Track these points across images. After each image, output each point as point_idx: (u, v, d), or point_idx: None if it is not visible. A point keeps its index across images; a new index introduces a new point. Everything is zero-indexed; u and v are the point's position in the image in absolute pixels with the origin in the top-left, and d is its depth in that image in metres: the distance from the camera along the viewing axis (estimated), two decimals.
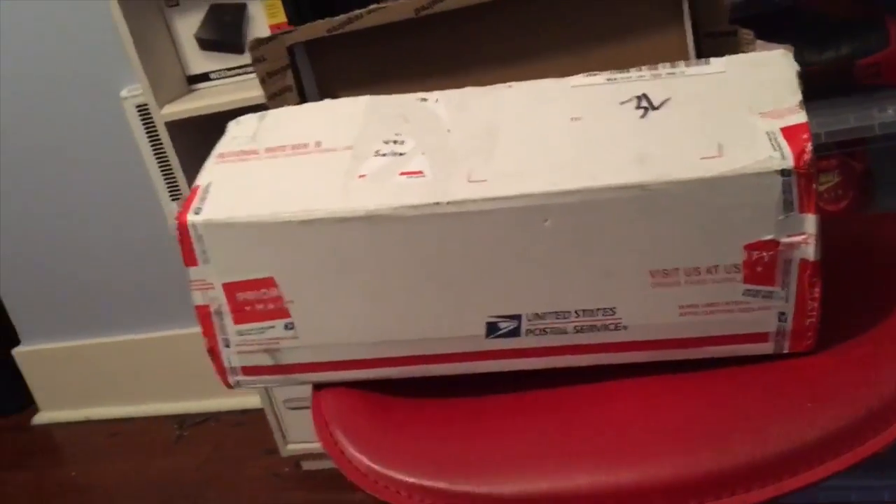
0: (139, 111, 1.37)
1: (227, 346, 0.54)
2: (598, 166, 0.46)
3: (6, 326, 1.68)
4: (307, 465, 1.35)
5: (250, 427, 1.51)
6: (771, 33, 0.65)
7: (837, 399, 0.45)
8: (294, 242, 0.50)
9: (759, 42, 0.60)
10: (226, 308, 0.52)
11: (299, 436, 1.31)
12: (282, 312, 0.52)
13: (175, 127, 1.15)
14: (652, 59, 0.63)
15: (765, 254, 0.46)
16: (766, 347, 0.49)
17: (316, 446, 1.32)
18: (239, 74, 1.19)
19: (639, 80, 0.51)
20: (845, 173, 0.94)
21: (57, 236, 1.56)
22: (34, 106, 1.46)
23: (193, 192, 0.52)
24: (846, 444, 0.44)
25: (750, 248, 0.46)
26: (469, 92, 0.54)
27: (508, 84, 0.54)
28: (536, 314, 0.49)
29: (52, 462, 1.58)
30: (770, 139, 0.45)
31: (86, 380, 1.66)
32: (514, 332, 0.50)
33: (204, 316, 0.53)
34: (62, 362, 1.66)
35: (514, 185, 0.47)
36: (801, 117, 0.46)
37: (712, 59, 0.52)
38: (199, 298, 0.53)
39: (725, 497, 0.43)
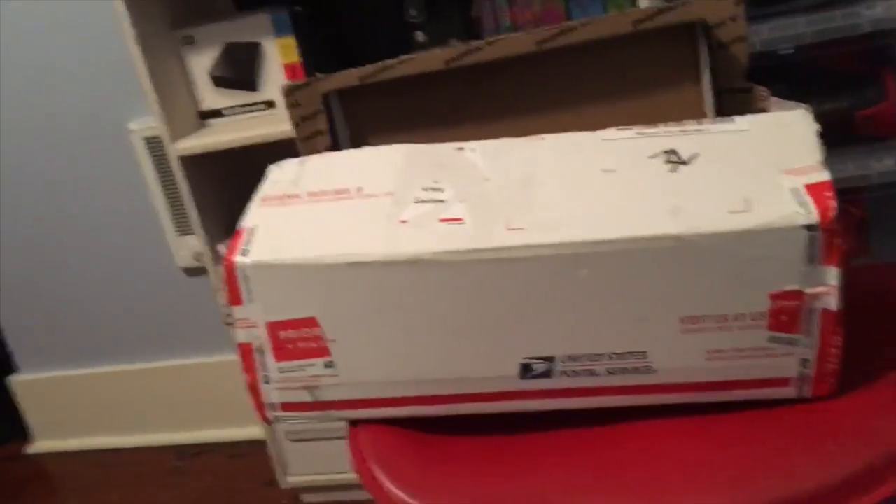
0: (148, 144, 1.39)
1: (268, 382, 0.55)
2: (632, 217, 0.49)
3: (3, 354, 1.68)
4: (307, 498, 1.36)
5: (249, 459, 1.51)
6: (772, 85, 0.68)
7: (858, 441, 0.48)
8: (337, 284, 0.52)
9: (773, 99, 0.63)
10: (268, 346, 0.54)
11: (300, 468, 1.32)
12: (323, 351, 0.54)
13: (187, 161, 1.18)
14: (671, 113, 0.67)
15: (789, 303, 0.48)
16: (789, 392, 0.51)
17: (316, 479, 1.33)
18: (251, 111, 1.22)
19: (667, 136, 0.54)
20: (844, 220, 0.98)
21: (58, 265, 1.57)
22: (40, 135, 1.47)
23: (239, 234, 0.54)
24: (867, 485, 0.46)
25: (775, 297, 0.48)
26: (504, 143, 0.57)
27: (541, 136, 0.56)
28: (569, 356, 0.52)
29: (46, 492, 1.57)
30: (795, 195, 0.48)
31: (82, 409, 1.66)
32: (547, 374, 0.52)
33: (246, 353, 0.55)
34: (59, 391, 1.66)
35: (551, 234, 0.49)
36: (824, 175, 0.49)
37: (736, 118, 0.55)
38: (242, 336, 0.55)
39: None
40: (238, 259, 0.53)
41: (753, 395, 0.52)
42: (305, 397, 0.56)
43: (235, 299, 0.54)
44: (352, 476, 1.28)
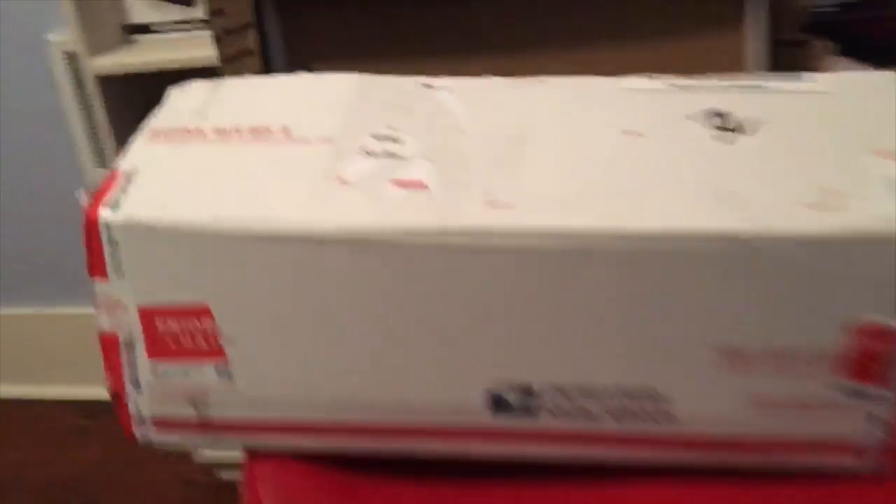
0: (69, 60, 1.20)
1: (137, 387, 0.40)
2: (667, 200, 0.34)
3: None
4: (226, 475, 1.21)
5: None
6: None
7: None
8: (241, 262, 0.37)
9: (836, 59, 0.49)
10: (139, 338, 0.39)
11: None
12: (215, 352, 0.39)
13: (107, 82, 1.00)
14: (700, 64, 0.52)
15: (872, 343, 0.35)
16: (856, 464, 0.38)
17: (236, 455, 1.18)
18: (187, 29, 1.04)
19: (714, 91, 0.39)
20: None
21: None
22: None
23: (111, 177, 0.39)
24: None
25: (854, 332, 0.34)
26: (490, 83, 0.42)
27: (540, 77, 0.41)
28: (556, 387, 0.37)
29: None
30: (891, 188, 0.34)
31: None
32: (526, 409, 0.38)
33: (109, 345, 0.40)
34: None
35: (549, 215, 0.34)
36: None
37: (805, 74, 0.40)
38: (104, 322, 0.39)
39: None
40: (103, 213, 0.37)
41: (806, 462, 0.38)
42: (189, 412, 0.40)
43: (97, 270, 0.38)
44: None
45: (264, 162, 0.39)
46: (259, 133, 0.40)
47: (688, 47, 0.52)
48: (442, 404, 0.38)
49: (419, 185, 0.37)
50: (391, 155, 0.38)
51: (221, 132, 0.40)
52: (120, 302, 0.38)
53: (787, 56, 0.52)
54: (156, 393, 0.40)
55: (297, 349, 0.38)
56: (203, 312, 0.38)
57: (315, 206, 0.36)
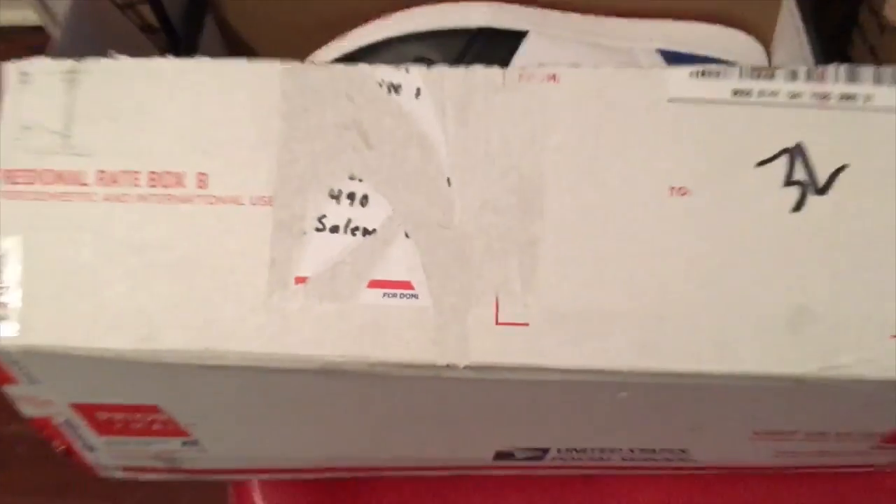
0: None
1: (92, 450, 0.35)
2: (728, 323, 0.27)
3: None
4: None
5: None
6: None
7: None
8: (189, 383, 0.30)
9: None
10: (82, 423, 0.33)
11: None
12: (177, 432, 0.33)
13: None
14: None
15: None
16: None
17: None
18: None
19: (793, 106, 0.28)
20: None
21: None
22: None
23: None
24: None
25: None
26: (480, 80, 0.29)
27: (551, 71, 0.29)
28: (571, 448, 0.34)
29: None
30: None
31: None
32: (537, 458, 0.35)
33: (44, 425, 0.33)
34: None
35: (580, 352, 0.27)
36: None
37: None
38: (30, 412, 0.32)
39: None
40: None
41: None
42: (156, 464, 0.36)
43: (4, 379, 0.30)
44: None
45: (183, 239, 0.28)
46: (164, 183, 0.29)
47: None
48: (441, 461, 0.35)
49: (405, 288, 0.28)
50: (357, 230, 0.28)
51: (109, 180, 0.29)
52: (47, 399, 0.32)
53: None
54: (115, 453, 0.35)
55: (270, 430, 0.33)
56: (151, 409, 0.32)
57: (273, 329, 0.28)
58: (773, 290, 0.27)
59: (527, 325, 0.27)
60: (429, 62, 0.40)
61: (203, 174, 0.29)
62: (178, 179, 0.29)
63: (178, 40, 0.43)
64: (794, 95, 0.28)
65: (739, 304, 0.27)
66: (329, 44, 0.42)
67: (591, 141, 0.28)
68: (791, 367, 0.27)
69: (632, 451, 0.34)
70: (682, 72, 0.28)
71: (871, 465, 0.36)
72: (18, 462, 0.86)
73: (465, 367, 0.27)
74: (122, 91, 0.29)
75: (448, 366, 0.27)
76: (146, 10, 0.42)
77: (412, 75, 0.29)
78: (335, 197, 0.28)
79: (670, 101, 0.28)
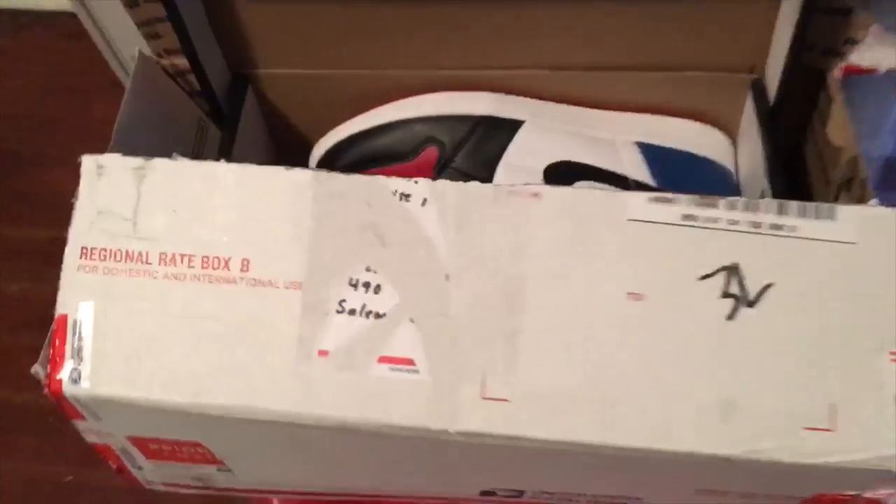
0: None
1: (140, 469, 0.42)
2: (671, 409, 0.33)
3: None
4: None
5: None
6: None
7: None
8: (228, 430, 0.36)
9: (875, 29, 0.40)
10: (135, 450, 0.39)
11: None
12: (214, 461, 0.40)
13: None
14: (729, 27, 0.43)
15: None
16: None
17: None
18: None
19: (731, 231, 0.34)
20: None
21: None
22: None
23: (57, 330, 0.35)
24: None
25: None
26: (474, 193, 0.35)
27: (534, 190, 0.34)
28: (545, 492, 0.40)
29: None
30: None
31: None
32: (516, 496, 0.41)
33: (104, 450, 0.40)
34: None
35: (550, 425, 0.33)
36: None
37: (840, 209, 0.34)
38: (93, 439, 0.39)
39: None
40: (67, 389, 0.35)
41: None
42: (194, 482, 0.43)
43: (73, 415, 0.37)
44: None
45: (228, 313, 0.34)
46: (214, 267, 0.35)
47: (717, 6, 0.41)
48: (434, 494, 0.41)
49: (408, 364, 0.34)
50: (371, 313, 0.34)
51: (169, 261, 0.35)
52: (108, 433, 0.38)
53: (831, 27, 0.41)
54: (160, 473, 0.42)
55: (296, 466, 0.39)
56: (195, 445, 0.38)
57: (298, 388, 0.34)
58: (707, 384, 0.33)
59: (507, 400, 0.34)
60: (438, 143, 0.46)
61: (246, 260, 0.35)
62: (225, 263, 0.35)
63: (219, 106, 0.49)
64: (733, 222, 0.34)
65: (680, 394, 0.33)
66: (352, 119, 0.48)
67: (565, 251, 0.34)
68: (721, 449, 0.33)
69: (594, 496, 0.40)
70: (641, 197, 0.34)
71: None
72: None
73: (455, 433, 0.34)
74: (182, 187, 0.35)
75: (441, 430, 0.34)
76: (193, 79, 0.48)
77: (420, 186, 0.35)
78: (354, 285, 0.34)
79: (629, 220, 0.34)
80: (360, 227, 0.35)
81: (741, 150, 0.46)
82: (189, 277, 0.35)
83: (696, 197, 0.34)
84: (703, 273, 0.34)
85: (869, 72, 0.40)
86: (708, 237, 0.34)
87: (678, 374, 0.33)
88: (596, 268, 0.34)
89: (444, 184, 0.35)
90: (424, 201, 0.35)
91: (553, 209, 0.34)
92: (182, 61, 0.44)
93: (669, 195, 0.34)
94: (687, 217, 0.34)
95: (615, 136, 0.45)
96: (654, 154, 0.44)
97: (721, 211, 0.34)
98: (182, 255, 0.35)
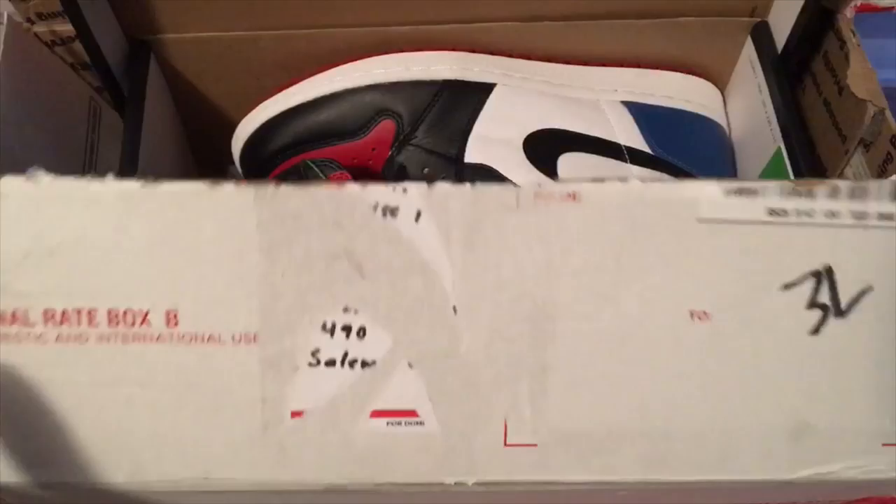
0: None
1: None
2: (733, 437, 0.27)
3: None
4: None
5: None
6: None
7: None
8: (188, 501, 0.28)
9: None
10: None
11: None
12: None
13: None
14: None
15: None
16: None
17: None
18: None
19: (829, 225, 0.25)
20: None
21: None
22: None
23: None
24: None
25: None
26: (487, 199, 0.24)
27: (571, 189, 0.24)
28: None
29: None
30: None
31: None
32: None
33: None
34: None
35: (585, 467, 0.27)
36: None
37: None
38: None
39: None
40: None
41: None
42: None
43: None
44: None
45: (162, 380, 0.25)
46: (129, 323, 0.25)
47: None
48: None
49: (410, 416, 0.26)
50: (356, 362, 0.26)
51: (59, 319, 0.24)
52: None
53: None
54: None
55: None
56: None
57: (271, 459, 0.26)
58: (779, 407, 0.27)
59: (535, 445, 0.27)
60: (394, 115, 0.35)
61: (172, 312, 0.25)
62: (143, 318, 0.25)
63: (115, 81, 0.34)
64: (831, 214, 0.25)
65: (745, 420, 0.27)
66: (284, 91, 0.36)
67: (611, 265, 0.26)
68: (786, 474, 0.28)
69: None
70: (716, 188, 0.25)
71: None
72: None
73: (474, 484, 0.27)
74: (54, 221, 0.24)
75: (456, 483, 0.27)
76: (79, 48, 0.34)
77: (410, 196, 0.25)
78: (329, 331, 0.26)
79: (700, 221, 0.25)
80: (328, 256, 0.25)
81: (733, 103, 0.38)
82: (94, 339, 0.25)
83: (787, 184, 0.25)
84: (788, 281, 0.26)
85: (887, 10, 0.32)
86: (797, 235, 0.26)
87: (744, 398, 0.27)
88: (650, 283, 0.26)
89: (444, 190, 0.25)
90: (418, 215, 0.25)
91: (596, 213, 0.25)
92: (63, 27, 0.32)
93: (752, 184, 0.25)
94: (773, 212, 0.25)
95: (598, 96, 0.37)
96: (643, 114, 0.36)
97: (819, 201, 0.25)
98: (78, 311, 0.25)
